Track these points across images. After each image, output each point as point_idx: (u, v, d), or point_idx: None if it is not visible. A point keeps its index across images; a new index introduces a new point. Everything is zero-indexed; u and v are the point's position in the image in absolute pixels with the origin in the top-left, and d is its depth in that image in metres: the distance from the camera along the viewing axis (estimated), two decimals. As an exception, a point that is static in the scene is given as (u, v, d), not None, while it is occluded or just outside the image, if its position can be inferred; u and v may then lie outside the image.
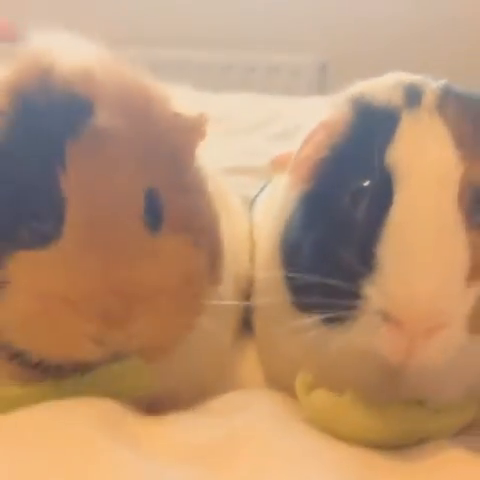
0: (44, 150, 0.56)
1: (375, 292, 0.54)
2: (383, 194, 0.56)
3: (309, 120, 0.68)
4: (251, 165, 1.30)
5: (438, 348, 0.54)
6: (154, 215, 0.59)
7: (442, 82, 0.62)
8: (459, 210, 0.55)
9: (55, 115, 0.57)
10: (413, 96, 0.60)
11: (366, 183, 0.57)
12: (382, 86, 0.63)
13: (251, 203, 0.93)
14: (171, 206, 0.60)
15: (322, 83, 2.55)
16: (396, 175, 0.56)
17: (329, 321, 0.57)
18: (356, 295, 0.55)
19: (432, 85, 0.62)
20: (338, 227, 0.58)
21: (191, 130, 0.64)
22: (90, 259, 0.55)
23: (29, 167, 0.56)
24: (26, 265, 0.56)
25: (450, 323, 0.54)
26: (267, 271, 0.66)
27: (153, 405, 0.61)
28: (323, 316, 0.56)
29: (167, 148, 0.61)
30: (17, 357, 0.57)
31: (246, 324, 0.76)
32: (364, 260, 0.55)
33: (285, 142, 0.75)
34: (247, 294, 0.75)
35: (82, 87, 0.58)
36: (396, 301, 0.53)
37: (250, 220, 0.86)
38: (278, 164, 0.65)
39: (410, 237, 0.54)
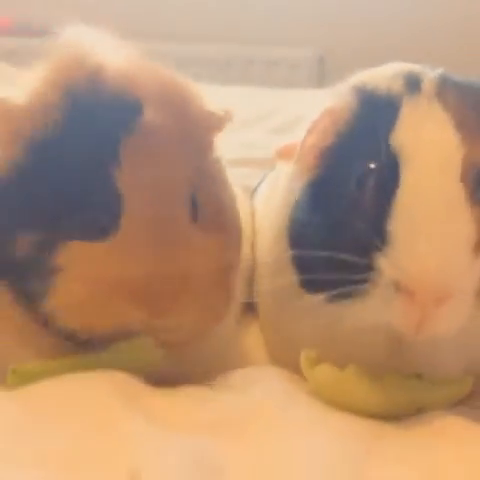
0: (98, 147, 0.59)
1: (388, 264, 0.57)
2: (390, 175, 0.59)
3: (309, 112, 0.70)
4: (251, 157, 1.32)
5: (448, 317, 0.58)
6: (194, 207, 0.62)
7: (439, 71, 0.66)
8: (463, 188, 0.59)
9: (106, 113, 0.60)
10: (413, 84, 0.64)
11: (372, 166, 0.60)
12: (382, 75, 0.66)
13: (252, 193, 0.95)
14: (203, 198, 0.64)
15: (321, 76, 2.55)
16: (401, 158, 0.60)
17: (341, 297, 0.59)
18: (369, 268, 0.58)
19: (430, 73, 0.65)
20: (349, 207, 0.61)
21: (218, 126, 0.67)
22: (146, 251, 0.59)
23: (84, 163, 0.59)
24: (80, 254, 0.59)
25: (459, 293, 0.57)
26: (272, 256, 0.69)
27: (164, 382, 0.63)
28: (336, 292, 0.59)
29: (200, 143, 0.65)
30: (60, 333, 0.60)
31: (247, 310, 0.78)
32: (376, 235, 0.58)
33: (285, 135, 0.77)
34: (248, 282, 0.77)
35: (131, 86, 0.61)
36: (408, 273, 0.57)
37: (251, 209, 0.88)
38: (283, 154, 0.67)
39: (418, 213, 0.58)
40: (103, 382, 0.58)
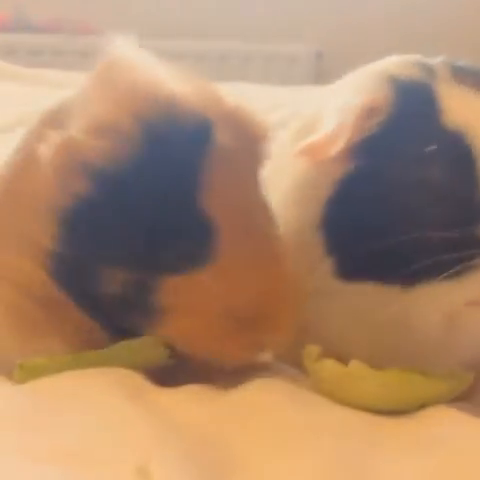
0: (179, 174, 0.58)
1: None
2: (461, 151, 0.62)
3: (308, 107, 0.70)
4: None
5: None
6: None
7: (441, 58, 0.67)
8: None
9: (182, 141, 0.58)
10: (428, 70, 0.66)
11: (433, 147, 0.62)
12: (396, 65, 0.68)
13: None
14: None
15: (319, 72, 2.55)
16: (467, 133, 0.62)
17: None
18: (474, 242, 0.60)
19: (435, 60, 0.67)
20: (422, 190, 0.62)
21: (267, 136, 0.66)
22: (248, 274, 0.59)
23: (167, 194, 0.58)
24: (183, 288, 0.59)
25: None
26: (301, 253, 0.67)
27: (168, 380, 0.63)
28: (448, 273, 0.60)
29: (260, 157, 0.65)
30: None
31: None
32: (470, 209, 0.61)
33: (282, 131, 0.77)
34: None
35: (201, 110, 0.60)
36: None
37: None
38: (310, 152, 0.65)
39: None
40: (109, 378, 0.59)
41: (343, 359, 0.64)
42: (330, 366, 0.63)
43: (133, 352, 0.62)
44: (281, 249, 0.62)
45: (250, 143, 0.64)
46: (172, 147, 0.58)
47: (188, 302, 0.59)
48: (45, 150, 0.59)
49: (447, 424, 0.59)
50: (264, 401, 0.60)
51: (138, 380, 0.61)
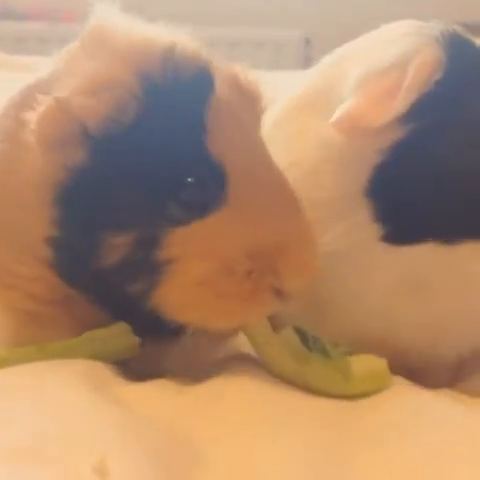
0: (184, 123, 0.57)
1: None
2: None
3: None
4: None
5: None
6: None
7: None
8: None
9: (184, 91, 0.58)
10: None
11: None
12: (418, 26, 0.67)
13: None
14: None
15: (307, 58, 2.54)
16: None
17: None
18: None
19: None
20: None
21: (263, 102, 0.66)
22: (263, 211, 0.58)
23: (173, 142, 0.57)
24: (191, 238, 0.57)
25: None
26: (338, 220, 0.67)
27: (140, 375, 0.62)
28: None
29: (257, 119, 0.64)
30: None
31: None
32: None
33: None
34: None
35: (201, 62, 0.59)
36: None
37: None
38: (349, 122, 0.62)
39: None
40: (72, 370, 0.57)
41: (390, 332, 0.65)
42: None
43: (101, 342, 0.60)
44: (294, 195, 0.61)
45: (247, 100, 0.63)
46: (174, 97, 0.57)
47: (200, 248, 0.57)
48: (34, 117, 0.56)
49: (424, 408, 0.58)
50: (232, 393, 0.58)
51: (103, 372, 0.59)
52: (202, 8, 2.59)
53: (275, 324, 0.63)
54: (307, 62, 2.48)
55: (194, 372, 0.62)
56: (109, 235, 0.56)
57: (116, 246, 0.57)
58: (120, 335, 0.60)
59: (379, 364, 0.62)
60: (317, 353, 0.62)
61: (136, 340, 0.60)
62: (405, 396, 0.61)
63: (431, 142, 0.63)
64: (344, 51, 0.71)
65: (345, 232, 0.66)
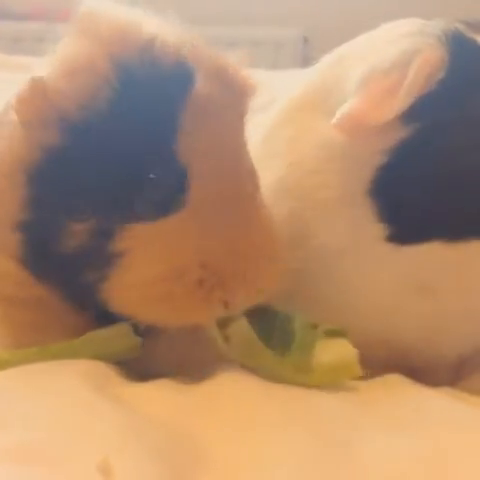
0: (155, 120, 0.56)
1: None
2: None
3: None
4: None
5: None
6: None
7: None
8: None
9: (161, 85, 0.56)
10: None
11: None
12: (423, 24, 0.66)
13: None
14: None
15: (305, 56, 2.54)
16: None
17: None
18: None
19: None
20: None
21: (252, 93, 0.64)
22: (220, 223, 0.57)
23: (141, 139, 0.56)
24: (145, 235, 0.56)
25: None
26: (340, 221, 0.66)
27: (142, 375, 0.62)
28: None
29: (241, 112, 0.62)
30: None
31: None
32: None
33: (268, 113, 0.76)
34: None
35: (183, 55, 0.58)
36: None
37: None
38: (351, 121, 0.61)
39: None
40: (74, 371, 0.57)
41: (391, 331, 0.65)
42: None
43: (102, 342, 0.60)
44: (261, 204, 0.60)
45: (234, 97, 0.61)
46: (150, 90, 0.56)
47: (153, 247, 0.56)
48: (14, 99, 0.57)
49: (425, 404, 0.59)
50: (233, 392, 0.58)
51: (105, 372, 0.59)
52: (200, 7, 2.59)
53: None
54: (305, 61, 2.47)
55: (193, 372, 0.62)
56: (71, 220, 0.57)
57: (75, 232, 0.57)
58: (121, 336, 0.60)
59: (349, 353, 0.62)
60: (277, 348, 0.61)
61: (137, 341, 0.60)
62: (406, 393, 0.61)
63: (434, 141, 0.63)
64: (344, 50, 0.71)
65: (348, 232, 0.66)
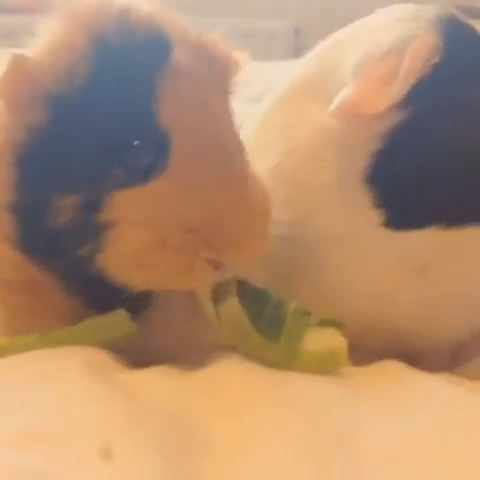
0: (134, 88, 0.57)
1: None
2: None
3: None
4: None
5: None
6: None
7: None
8: None
9: (139, 55, 0.57)
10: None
11: None
12: (417, 10, 0.66)
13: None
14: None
15: (297, 48, 2.54)
16: None
17: None
18: None
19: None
20: None
21: (236, 69, 0.65)
22: (204, 185, 0.57)
23: (122, 107, 0.57)
24: (131, 203, 0.56)
25: None
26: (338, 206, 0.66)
27: (141, 361, 0.62)
28: None
29: (224, 86, 0.63)
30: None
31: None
32: None
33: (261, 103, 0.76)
34: None
35: (159, 26, 0.59)
36: None
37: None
38: (348, 110, 0.61)
39: None
40: (74, 357, 0.57)
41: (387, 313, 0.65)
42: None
43: (100, 328, 0.60)
44: (246, 172, 0.60)
45: (215, 70, 0.62)
46: (127, 60, 0.57)
47: (135, 215, 0.57)
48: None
49: (423, 388, 0.59)
50: (232, 377, 0.58)
51: (105, 359, 0.59)
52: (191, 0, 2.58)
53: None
54: (297, 53, 2.48)
55: (192, 358, 0.62)
56: (59, 196, 0.57)
57: (64, 208, 0.57)
58: (119, 322, 0.60)
59: (338, 343, 0.62)
60: (266, 332, 0.61)
61: (135, 327, 0.61)
62: (404, 378, 0.61)
63: (429, 126, 0.63)
64: (340, 36, 0.71)
65: (344, 217, 0.66)
